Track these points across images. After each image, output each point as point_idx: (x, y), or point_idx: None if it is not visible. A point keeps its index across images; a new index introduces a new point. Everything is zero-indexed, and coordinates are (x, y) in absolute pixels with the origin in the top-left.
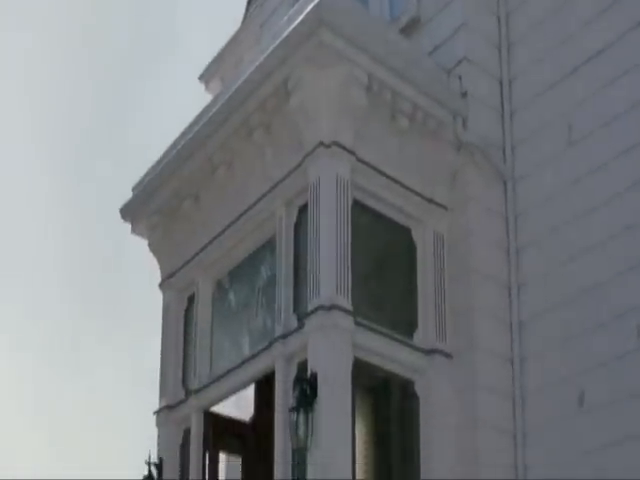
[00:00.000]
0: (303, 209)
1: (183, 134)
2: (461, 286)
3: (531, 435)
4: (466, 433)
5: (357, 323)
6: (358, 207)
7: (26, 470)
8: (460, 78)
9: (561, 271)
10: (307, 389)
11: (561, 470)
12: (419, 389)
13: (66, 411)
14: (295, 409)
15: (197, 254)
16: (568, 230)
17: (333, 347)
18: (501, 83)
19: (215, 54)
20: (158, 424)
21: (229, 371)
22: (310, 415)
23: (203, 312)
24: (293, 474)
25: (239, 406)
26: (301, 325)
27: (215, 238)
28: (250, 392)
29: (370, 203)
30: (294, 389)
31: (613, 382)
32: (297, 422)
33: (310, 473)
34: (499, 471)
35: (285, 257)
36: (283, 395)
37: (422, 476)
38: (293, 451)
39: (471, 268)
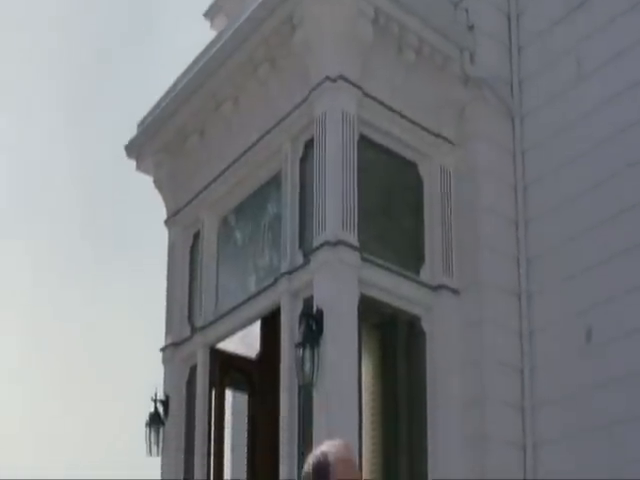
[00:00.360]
0: (309, 144)
1: (188, 70)
2: (468, 222)
3: (538, 371)
4: (472, 369)
5: (363, 259)
6: (364, 142)
7: (30, 410)
8: (467, 11)
9: (569, 207)
10: (313, 325)
11: (567, 406)
12: (426, 325)
13: (71, 348)
14: (301, 345)
15: (202, 191)
16: (576, 165)
17: (339, 283)
18: (509, 17)
19: None
20: (164, 361)
21: (235, 308)
22: (316, 351)
23: (208, 249)
24: (299, 410)
25: (245, 343)
26: (307, 261)
27: (220, 174)
28: (256, 328)
29: (377, 138)
30: (300, 325)
31: (621, 318)
32: (303, 358)
33: (316, 409)
34: (505, 407)
35: (291, 193)
36: (289, 331)
37: (429, 412)
38: (299, 387)
39: (478, 203)
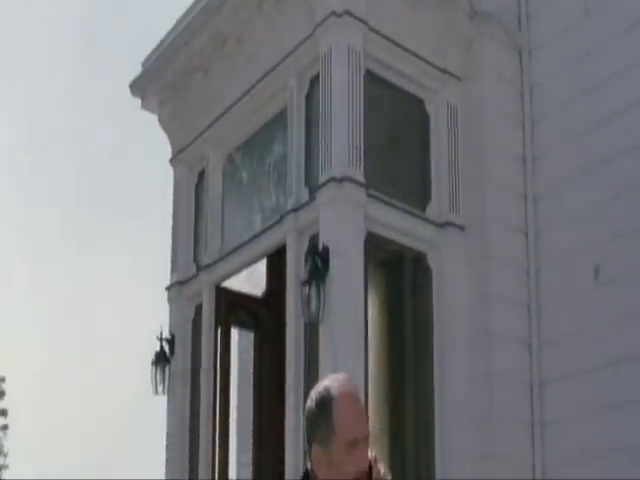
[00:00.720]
0: (314, 80)
1: (192, 7)
2: (475, 158)
3: (545, 308)
4: (478, 305)
5: (369, 195)
6: (370, 78)
7: (36, 350)
8: None
9: (576, 143)
10: (319, 262)
11: (574, 342)
12: (432, 262)
13: (77, 288)
14: (307, 282)
15: (207, 128)
16: (583, 101)
17: (345, 220)
18: None
19: None
20: (170, 300)
21: (240, 246)
22: (322, 288)
23: (214, 187)
24: (305, 348)
25: (251, 281)
26: (312, 198)
27: (225, 112)
28: (262, 267)
29: (383, 73)
30: (306, 263)
31: (629, 254)
32: (309, 295)
33: (322, 347)
34: (512, 344)
35: (296, 129)
36: (295, 269)
37: (435, 350)
38: (305, 324)
39: (485, 140)
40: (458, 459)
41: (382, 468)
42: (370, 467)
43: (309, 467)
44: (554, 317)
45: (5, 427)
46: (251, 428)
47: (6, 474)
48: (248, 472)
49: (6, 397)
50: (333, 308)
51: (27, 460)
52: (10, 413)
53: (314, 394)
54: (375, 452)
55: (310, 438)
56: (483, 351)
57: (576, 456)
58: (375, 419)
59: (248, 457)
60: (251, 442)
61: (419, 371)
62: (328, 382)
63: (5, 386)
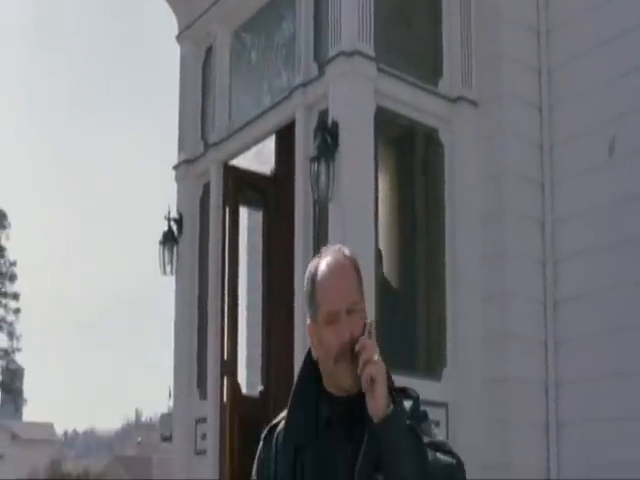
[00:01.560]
0: None
1: None
2: (488, 32)
3: (559, 184)
4: (491, 182)
5: (380, 70)
6: None
7: (48, 226)
8: None
9: (590, 15)
10: (328, 138)
11: (588, 221)
12: (443, 137)
13: (87, 170)
14: (316, 159)
15: (214, 4)
16: None
17: (355, 94)
18: None
19: None
20: (177, 179)
21: (248, 123)
22: (331, 164)
23: (221, 63)
24: (314, 226)
25: (259, 160)
26: (322, 73)
27: None
28: (270, 144)
29: None
30: (315, 139)
31: None
32: (318, 172)
33: (331, 224)
34: (525, 221)
35: (305, 3)
36: (303, 146)
37: (447, 228)
38: (314, 202)
39: (499, 13)
40: (470, 337)
41: (369, 336)
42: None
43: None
44: (568, 194)
45: (17, 310)
46: (260, 308)
47: (19, 357)
48: (257, 350)
49: (18, 281)
50: (342, 184)
51: (39, 343)
52: (22, 297)
53: (307, 272)
54: (371, 323)
55: (308, 317)
56: (496, 229)
57: (589, 332)
58: (384, 296)
59: (257, 334)
60: (260, 321)
61: (430, 249)
62: (318, 257)
63: (17, 270)
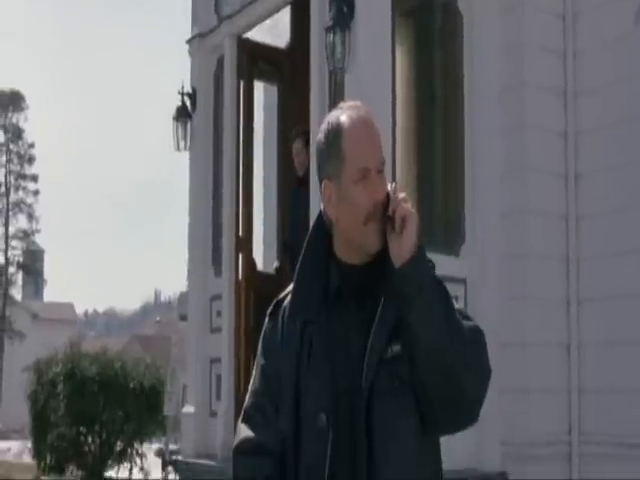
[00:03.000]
0: None
1: None
2: None
3: (583, 55)
4: (512, 54)
5: None
6: None
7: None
8: None
9: None
10: (344, 7)
11: (613, 93)
12: (462, 6)
13: (100, 44)
14: (331, 29)
15: None
16: None
17: None
18: None
19: None
20: (191, 53)
21: None
22: (347, 35)
23: None
24: (330, 99)
25: (274, 33)
26: None
27: None
28: (285, 17)
29: None
30: (330, 8)
31: None
32: (333, 42)
33: (347, 97)
34: (547, 94)
35: None
36: (319, 16)
37: (465, 102)
38: (330, 74)
39: None
40: (489, 213)
41: (402, 195)
42: (388, 199)
43: (322, 208)
44: (590, 64)
45: (36, 192)
46: (275, 186)
47: (39, 238)
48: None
49: (36, 163)
50: (358, 55)
51: (59, 225)
52: (41, 179)
53: (323, 125)
54: (395, 185)
55: (320, 175)
56: (516, 102)
57: (611, 206)
58: (402, 171)
59: (273, 216)
60: (275, 197)
61: (448, 123)
62: (338, 111)
63: (35, 152)
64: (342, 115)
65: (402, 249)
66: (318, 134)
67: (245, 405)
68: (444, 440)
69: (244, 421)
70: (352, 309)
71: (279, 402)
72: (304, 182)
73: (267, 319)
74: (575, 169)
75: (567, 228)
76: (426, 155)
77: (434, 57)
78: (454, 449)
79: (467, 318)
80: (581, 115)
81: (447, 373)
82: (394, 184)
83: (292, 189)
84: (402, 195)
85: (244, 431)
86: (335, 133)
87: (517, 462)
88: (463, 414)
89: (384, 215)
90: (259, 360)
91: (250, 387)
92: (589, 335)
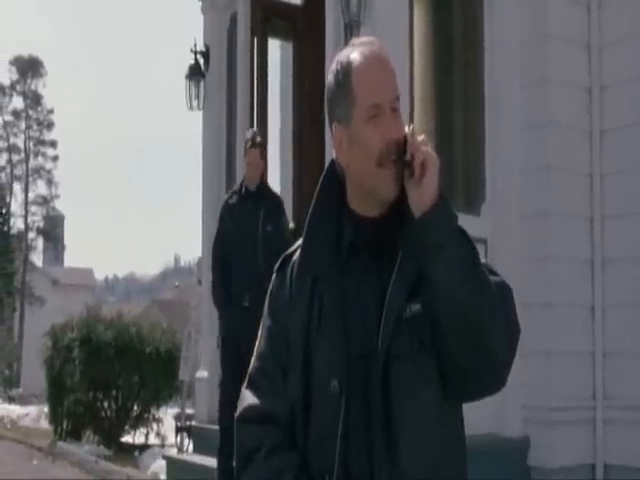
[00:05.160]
0: None
1: None
2: None
3: (606, 6)
4: (533, 4)
5: None
6: None
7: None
8: None
9: None
10: None
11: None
12: None
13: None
14: None
15: None
16: None
17: None
18: None
19: None
20: (203, 10)
21: None
22: None
23: None
24: None
25: None
26: None
27: None
28: None
29: None
30: None
31: None
32: None
33: None
34: (570, 46)
35: None
36: None
37: (486, 55)
38: (345, 27)
39: None
40: (510, 170)
41: (421, 137)
42: (405, 142)
43: (333, 155)
44: (615, 15)
45: (55, 158)
46: (291, 149)
47: (58, 204)
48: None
49: (55, 128)
50: (375, 7)
51: (78, 190)
52: (60, 144)
53: (333, 65)
54: (413, 127)
55: (331, 119)
56: (537, 53)
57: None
58: (421, 128)
59: (289, 174)
60: (291, 160)
61: (467, 79)
62: (349, 48)
63: (54, 117)
64: (352, 52)
65: (422, 197)
66: (328, 75)
67: (250, 369)
68: (464, 404)
69: (249, 387)
70: (367, 265)
71: (287, 365)
72: (252, 199)
73: (274, 275)
74: (600, 125)
75: (591, 186)
76: (445, 112)
77: (453, 12)
78: (475, 414)
79: (493, 273)
80: (606, 68)
81: (473, 332)
82: (412, 126)
83: (231, 202)
84: (421, 138)
85: (248, 398)
86: (345, 71)
87: (539, 427)
88: (491, 377)
89: (401, 160)
90: (265, 320)
91: (255, 349)
92: (614, 297)
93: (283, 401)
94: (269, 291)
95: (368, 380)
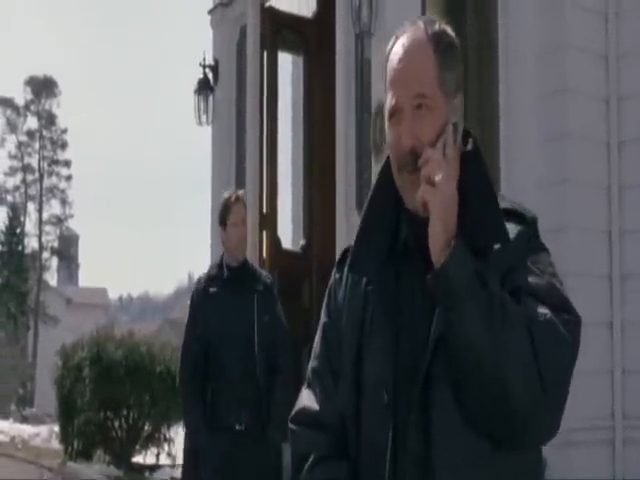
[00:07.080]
0: None
1: None
2: None
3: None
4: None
5: None
6: None
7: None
8: None
9: None
10: None
11: None
12: None
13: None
14: None
15: None
16: None
17: None
18: None
19: None
20: (212, 24)
21: None
22: None
23: None
24: (356, 64)
25: (299, 2)
26: None
27: None
28: None
29: None
30: None
31: None
32: (359, 4)
33: (374, 62)
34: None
35: None
36: None
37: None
38: (356, 39)
39: None
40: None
41: (439, 145)
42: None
43: None
44: (633, 25)
45: (69, 177)
46: (302, 157)
47: (72, 223)
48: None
49: (69, 148)
50: (385, 17)
51: (92, 210)
52: (73, 164)
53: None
54: (456, 126)
55: None
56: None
57: None
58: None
59: (299, 183)
60: (301, 169)
61: (482, 87)
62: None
63: (68, 137)
64: (396, 41)
65: (431, 244)
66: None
67: (309, 366)
68: None
69: (307, 386)
70: (421, 270)
71: (339, 368)
72: (239, 281)
73: (335, 269)
74: (618, 136)
75: (609, 199)
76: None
77: (467, 22)
78: None
79: (563, 310)
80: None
81: (489, 389)
82: (453, 124)
83: (212, 291)
84: (440, 145)
85: (305, 399)
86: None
87: (557, 448)
88: (513, 432)
89: (418, 171)
90: (322, 317)
91: (314, 346)
92: (634, 314)
93: (334, 406)
94: (328, 285)
95: (410, 398)
